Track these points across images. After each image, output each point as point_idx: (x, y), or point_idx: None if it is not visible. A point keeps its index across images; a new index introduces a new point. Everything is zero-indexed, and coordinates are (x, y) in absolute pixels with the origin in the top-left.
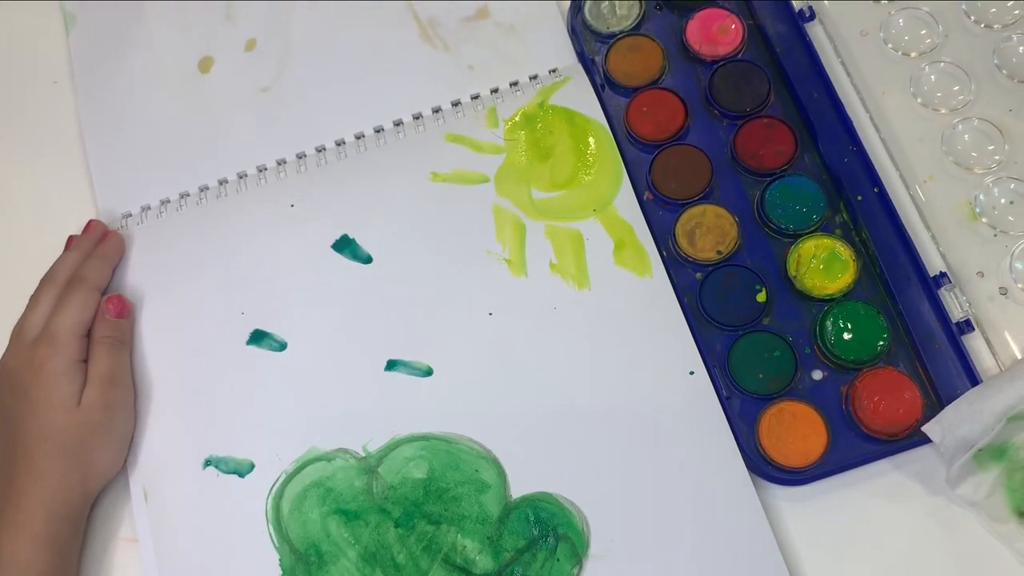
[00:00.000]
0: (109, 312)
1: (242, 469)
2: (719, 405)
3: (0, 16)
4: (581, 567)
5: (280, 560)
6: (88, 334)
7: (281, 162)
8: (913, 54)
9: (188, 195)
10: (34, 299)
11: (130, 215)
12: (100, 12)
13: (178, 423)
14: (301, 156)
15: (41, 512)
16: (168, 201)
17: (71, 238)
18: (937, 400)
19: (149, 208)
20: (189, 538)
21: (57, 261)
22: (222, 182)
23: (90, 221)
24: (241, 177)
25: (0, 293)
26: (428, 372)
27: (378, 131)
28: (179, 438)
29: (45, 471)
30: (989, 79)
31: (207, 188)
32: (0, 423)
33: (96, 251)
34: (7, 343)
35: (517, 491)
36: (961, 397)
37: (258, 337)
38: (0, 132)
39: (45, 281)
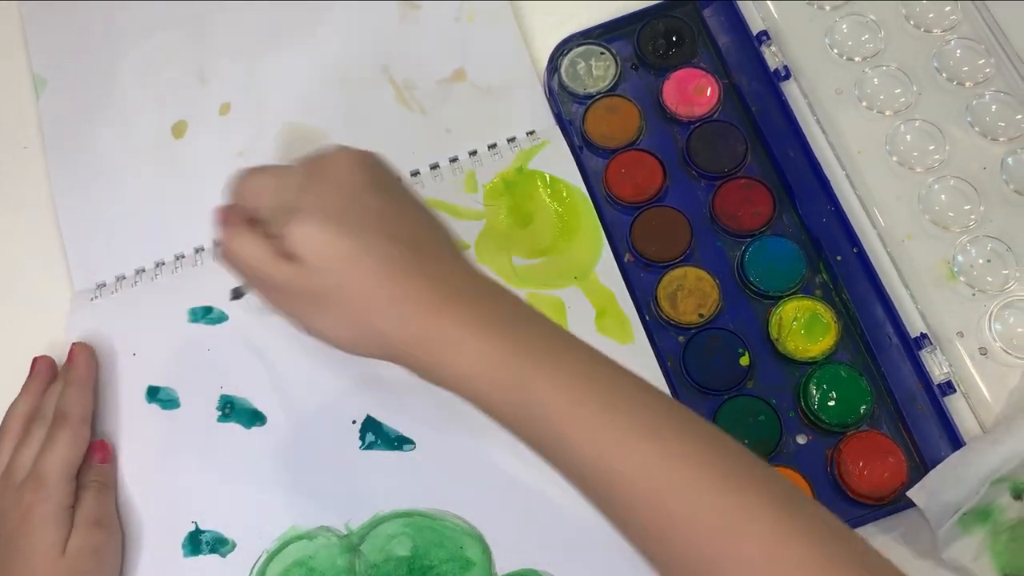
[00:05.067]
0: (95, 458)
1: (223, 548)
2: None
3: None
4: None
5: None
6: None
7: None
8: (888, 112)
9: (164, 263)
10: (23, 438)
11: (104, 284)
12: (71, 75)
13: (156, 498)
14: None
15: None
16: (143, 270)
17: (36, 359)
18: (921, 462)
19: (124, 277)
20: None
21: (47, 394)
22: (198, 250)
23: (73, 346)
24: (217, 245)
25: None
26: (411, 446)
27: None
28: (158, 512)
29: None
30: (963, 137)
31: (183, 256)
32: None
33: (70, 378)
34: None
35: (503, 567)
36: (944, 462)
37: (237, 413)
38: None
39: (30, 412)
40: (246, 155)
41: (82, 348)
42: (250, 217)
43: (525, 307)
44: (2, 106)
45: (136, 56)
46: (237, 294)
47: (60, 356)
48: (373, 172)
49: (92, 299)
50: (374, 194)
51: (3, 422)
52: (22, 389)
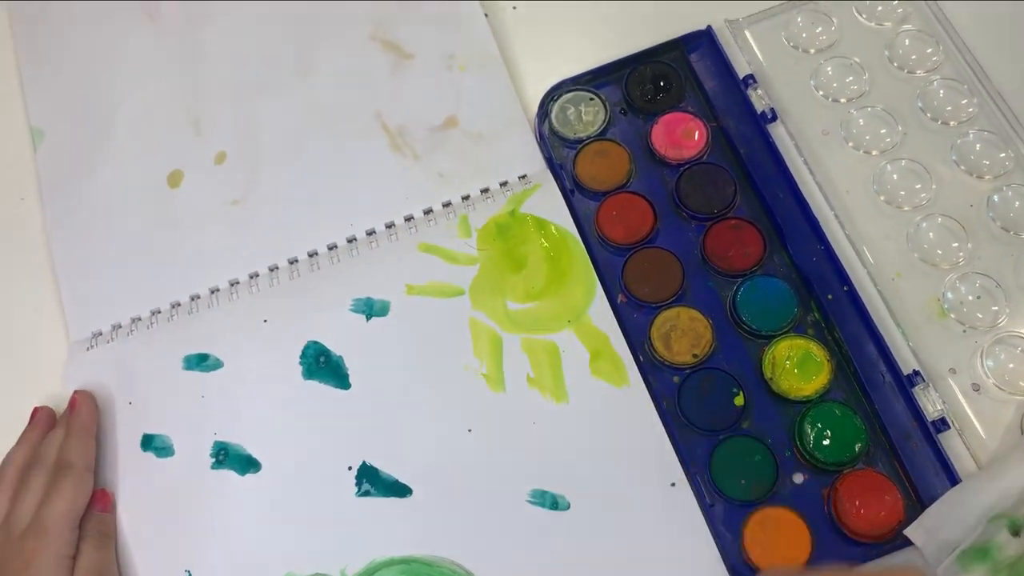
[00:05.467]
0: (96, 507)
1: None
2: (702, 517)
3: None
4: None
5: None
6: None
7: (253, 275)
8: (874, 152)
9: (159, 311)
10: (24, 485)
11: (100, 333)
12: (68, 126)
13: (149, 547)
14: (273, 268)
15: None
16: (139, 319)
17: (36, 409)
18: (918, 500)
19: (120, 326)
20: None
21: (45, 442)
22: (193, 298)
23: (73, 396)
24: (213, 292)
25: None
26: (407, 492)
27: (351, 241)
28: (152, 561)
29: None
30: (949, 175)
31: (178, 304)
32: None
33: (74, 427)
34: None
35: None
36: (941, 499)
37: (231, 459)
38: None
39: (33, 465)
40: (240, 204)
41: (84, 396)
42: None
43: None
44: (1, 158)
45: (131, 106)
46: None
47: (56, 406)
48: None
49: (88, 348)
50: None
51: (0, 470)
52: (20, 438)
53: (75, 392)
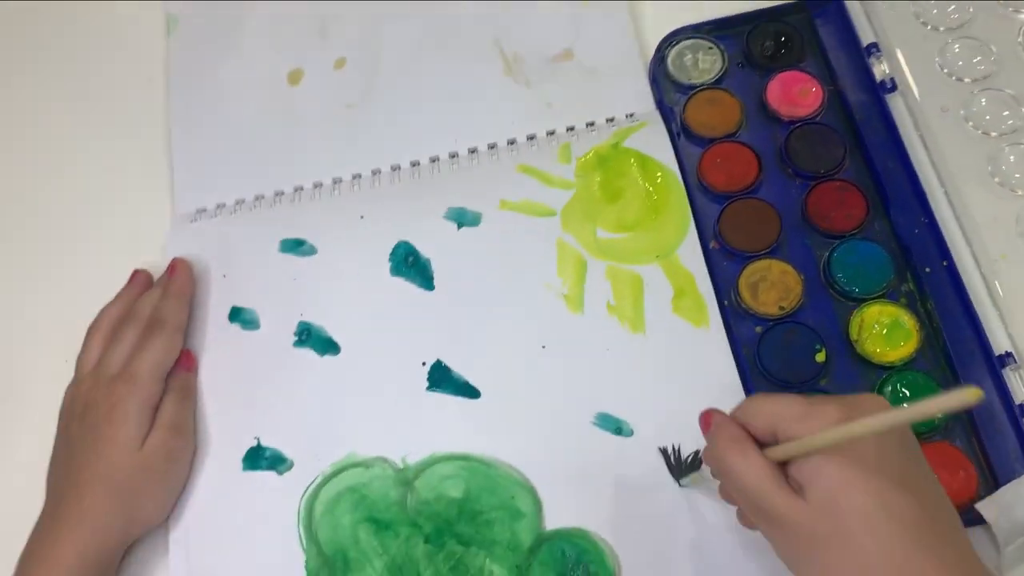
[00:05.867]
0: (182, 366)
1: (281, 466)
2: None
3: (107, 13)
4: None
5: (306, 562)
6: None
7: (356, 176)
8: (993, 134)
9: (263, 197)
10: (118, 336)
11: (205, 210)
12: (202, 17)
13: (225, 411)
14: (376, 172)
15: (76, 553)
16: (243, 201)
17: (135, 272)
18: (993, 480)
19: (224, 205)
20: (218, 530)
21: (140, 300)
22: (297, 189)
23: (173, 260)
24: (316, 186)
25: (73, 278)
26: (476, 394)
27: (452, 156)
28: (225, 424)
29: (91, 510)
30: None
31: (282, 193)
32: (63, 452)
33: (171, 289)
34: (81, 375)
35: (552, 523)
36: (1019, 479)
37: (313, 339)
38: (91, 119)
39: (121, 316)
40: (354, 108)
41: (182, 263)
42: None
43: None
44: (136, 41)
45: (263, 5)
46: (681, 476)
47: (156, 273)
48: (904, 430)
49: (192, 221)
50: (900, 451)
51: (95, 321)
52: (118, 295)
53: (174, 259)
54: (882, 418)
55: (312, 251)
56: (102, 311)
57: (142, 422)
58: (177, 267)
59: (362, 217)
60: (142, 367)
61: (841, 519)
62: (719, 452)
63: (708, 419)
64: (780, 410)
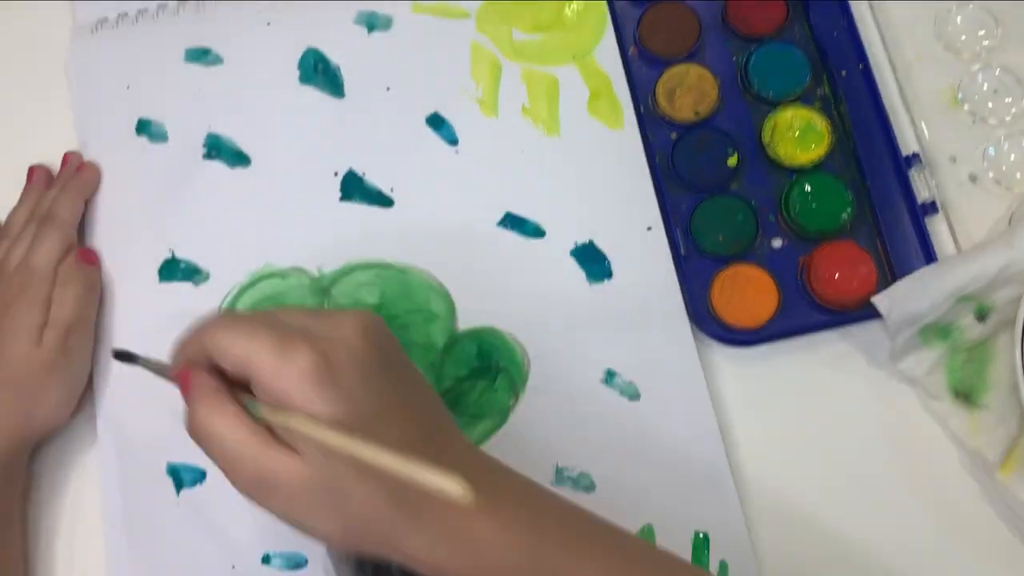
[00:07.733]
0: (83, 259)
1: (197, 277)
2: (671, 261)
3: None
4: (517, 399)
5: None
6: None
7: None
8: None
9: (166, 6)
10: (20, 233)
11: (106, 20)
12: None
13: (135, 224)
14: None
15: None
16: (145, 11)
17: (32, 168)
18: (893, 277)
19: (126, 15)
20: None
21: (43, 196)
22: None
23: (66, 155)
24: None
25: None
26: (389, 203)
27: None
28: (136, 237)
29: None
30: None
31: (186, 0)
32: None
33: (72, 183)
34: None
35: (465, 325)
36: (913, 274)
37: (222, 149)
38: None
39: (29, 216)
40: None
41: (92, 168)
42: (220, 375)
43: (536, 488)
44: None
45: None
46: (126, 357)
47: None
48: (384, 344)
49: (92, 31)
50: (385, 371)
51: (4, 225)
52: (21, 196)
53: (66, 153)
54: (371, 456)
55: (218, 60)
56: (10, 214)
57: (39, 315)
58: (86, 168)
59: (269, 24)
60: (34, 261)
61: (338, 462)
62: (193, 417)
63: (187, 378)
64: (251, 355)
